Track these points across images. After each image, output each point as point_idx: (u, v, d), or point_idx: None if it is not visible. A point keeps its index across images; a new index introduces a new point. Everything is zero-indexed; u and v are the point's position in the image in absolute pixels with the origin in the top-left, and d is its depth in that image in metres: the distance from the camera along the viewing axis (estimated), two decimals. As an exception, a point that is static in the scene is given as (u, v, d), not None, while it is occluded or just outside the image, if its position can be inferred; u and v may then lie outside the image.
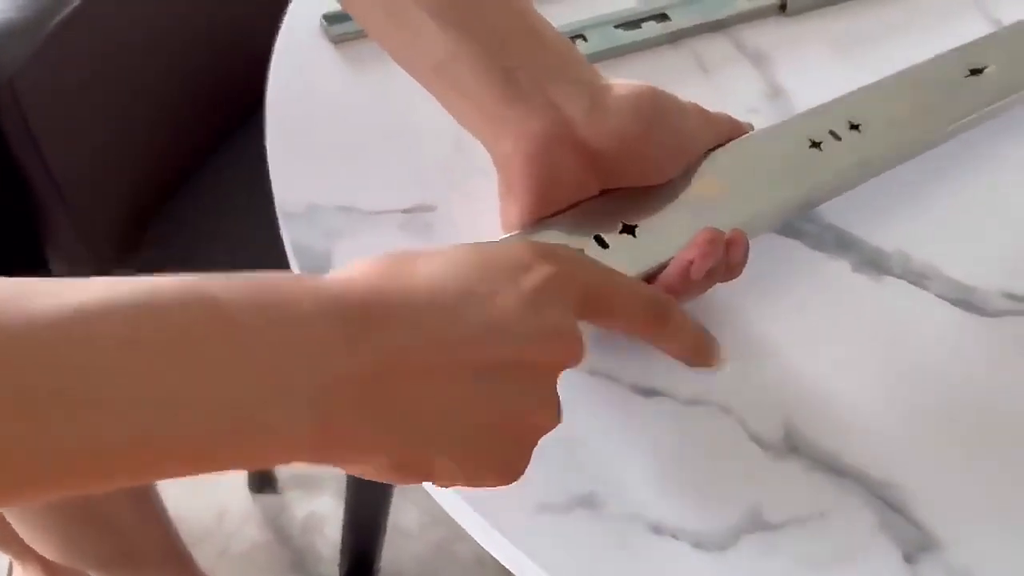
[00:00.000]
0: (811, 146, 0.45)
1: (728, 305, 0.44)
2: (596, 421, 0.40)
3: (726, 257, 0.39)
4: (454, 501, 0.38)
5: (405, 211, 0.47)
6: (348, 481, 0.98)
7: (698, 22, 0.57)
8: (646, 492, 0.38)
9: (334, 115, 0.51)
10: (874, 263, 0.47)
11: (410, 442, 0.29)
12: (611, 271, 0.36)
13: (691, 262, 0.38)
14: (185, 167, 0.77)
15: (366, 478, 0.30)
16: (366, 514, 1.01)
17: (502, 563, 0.38)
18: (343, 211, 0.46)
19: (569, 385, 0.40)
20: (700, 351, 0.38)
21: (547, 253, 0.33)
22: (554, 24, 0.55)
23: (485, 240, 0.39)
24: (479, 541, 0.38)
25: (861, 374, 0.42)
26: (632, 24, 0.57)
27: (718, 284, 0.41)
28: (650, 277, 0.40)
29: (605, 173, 0.41)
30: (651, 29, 0.57)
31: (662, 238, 0.40)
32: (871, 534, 0.38)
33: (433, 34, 0.40)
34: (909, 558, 0.37)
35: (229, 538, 1.10)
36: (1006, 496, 0.39)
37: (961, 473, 0.40)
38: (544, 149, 0.39)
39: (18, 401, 0.23)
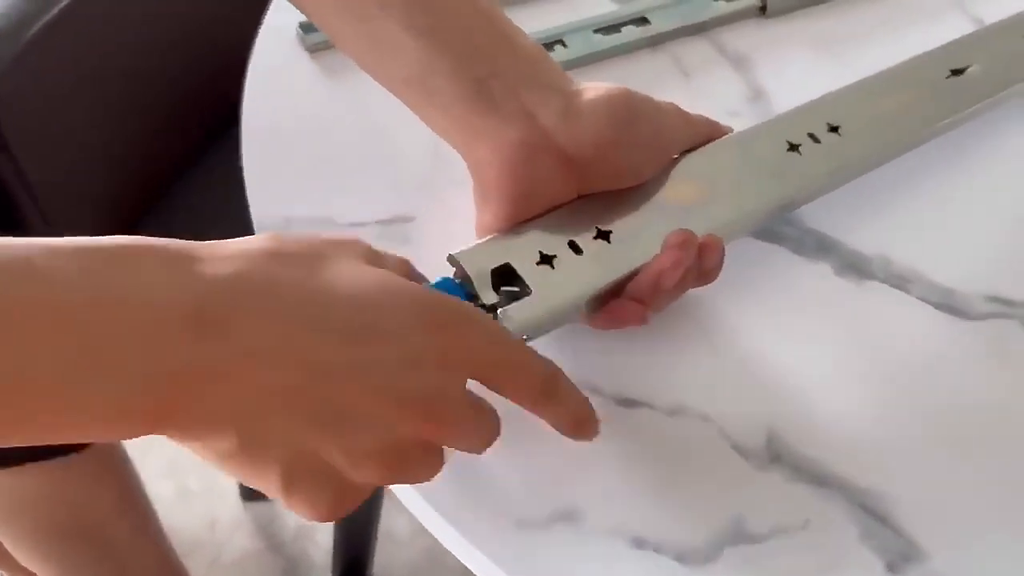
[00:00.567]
0: (789, 149, 0.45)
1: (708, 311, 0.43)
2: (576, 433, 0.40)
3: (699, 262, 0.39)
4: (433, 517, 0.37)
5: (382, 222, 0.46)
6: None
7: (678, 25, 0.57)
8: (627, 505, 0.38)
9: (310, 126, 0.51)
10: (855, 267, 0.46)
11: (243, 442, 0.30)
12: (507, 344, 0.35)
13: (663, 270, 0.38)
14: (165, 176, 0.77)
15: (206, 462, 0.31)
16: (357, 521, 1.00)
17: (483, 578, 0.37)
18: (319, 223, 0.46)
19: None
20: (582, 425, 0.37)
21: (451, 320, 0.33)
22: (534, 29, 0.55)
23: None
24: (459, 557, 0.38)
25: (843, 380, 0.42)
26: (612, 29, 0.56)
27: (698, 289, 0.41)
28: (622, 284, 0.39)
29: (581, 177, 0.41)
30: (631, 33, 0.56)
31: (636, 243, 0.40)
32: (854, 544, 0.37)
33: (404, 45, 0.39)
34: (892, 567, 0.37)
35: (220, 547, 1.10)
36: (990, 503, 0.39)
37: (945, 480, 0.39)
38: (519, 156, 0.39)
39: None
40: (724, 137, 0.45)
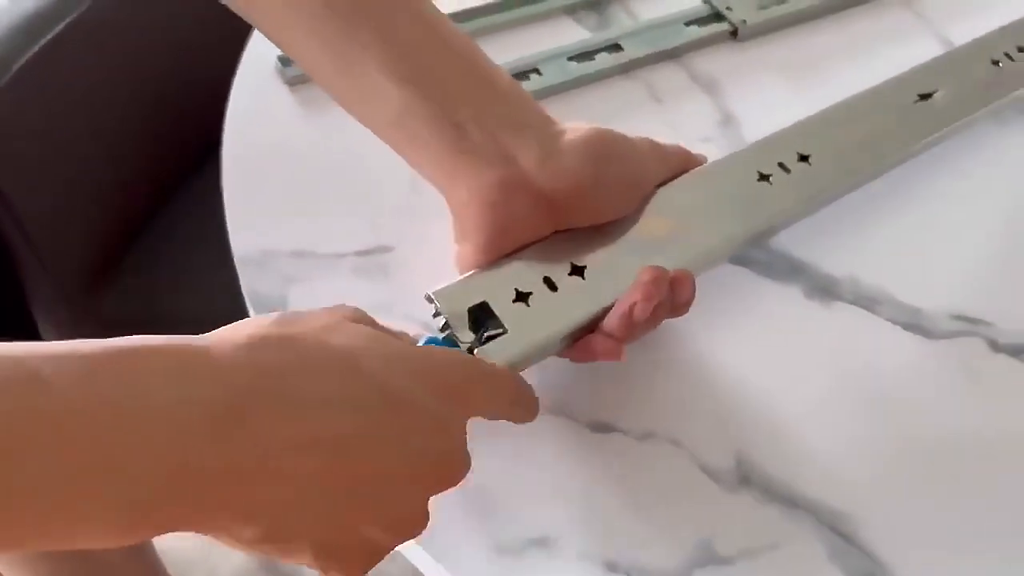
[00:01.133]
0: (760, 179, 0.46)
1: (678, 336, 0.44)
2: (551, 460, 0.41)
3: (671, 296, 0.40)
4: (410, 544, 0.38)
5: (360, 253, 0.47)
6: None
7: (650, 52, 0.58)
8: (600, 530, 0.39)
9: (289, 158, 0.52)
10: (825, 289, 0.47)
11: (270, 533, 0.30)
12: (500, 388, 0.37)
13: (634, 305, 0.39)
14: (149, 206, 0.78)
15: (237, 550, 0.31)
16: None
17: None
18: (297, 256, 0.47)
19: (524, 424, 0.41)
20: (531, 412, 0.39)
21: (458, 381, 0.35)
22: (509, 58, 0.56)
23: (444, 279, 0.40)
24: (437, 583, 0.39)
25: (812, 401, 0.43)
26: (585, 56, 0.57)
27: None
28: (597, 319, 0.40)
29: (558, 215, 0.42)
30: (604, 60, 0.57)
31: (610, 279, 0.41)
32: (823, 563, 0.38)
33: (386, 91, 0.40)
34: (859, 586, 0.38)
35: (215, 567, 1.10)
36: (954, 522, 0.40)
37: (911, 499, 0.40)
38: (498, 197, 0.40)
39: None
40: (696, 169, 0.46)
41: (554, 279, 0.41)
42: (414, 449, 0.32)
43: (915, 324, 0.46)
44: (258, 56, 0.57)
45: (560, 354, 0.41)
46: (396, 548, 0.34)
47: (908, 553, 0.39)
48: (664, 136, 0.46)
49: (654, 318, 0.40)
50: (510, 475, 0.40)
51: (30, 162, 0.68)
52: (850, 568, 0.38)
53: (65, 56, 0.68)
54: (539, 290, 0.40)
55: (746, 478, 0.40)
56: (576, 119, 0.43)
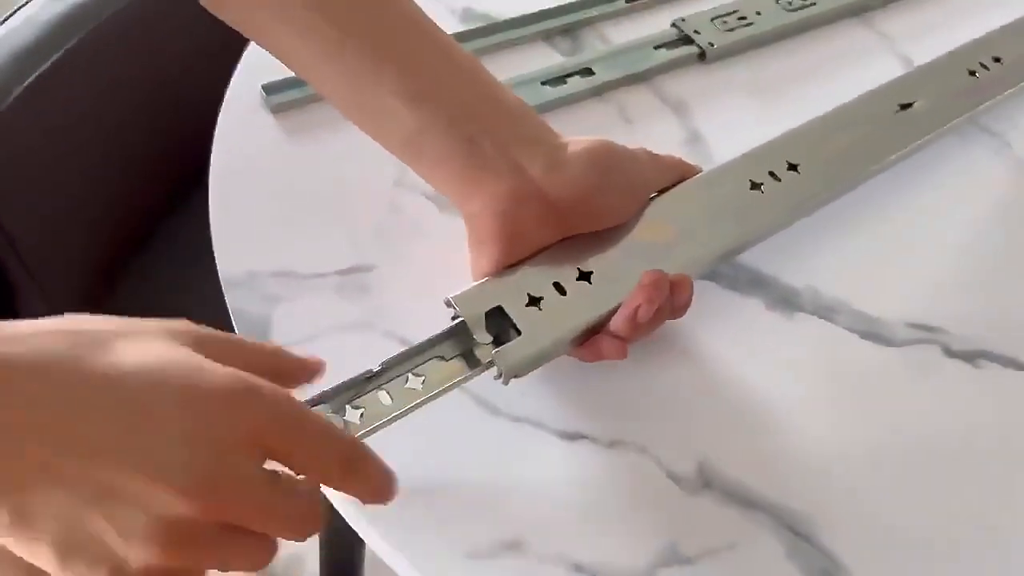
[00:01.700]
0: (752, 187, 0.49)
1: (644, 347, 0.46)
2: (522, 467, 0.43)
3: (671, 298, 0.43)
4: (387, 550, 0.40)
5: (341, 272, 0.49)
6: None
7: (621, 75, 0.60)
8: (568, 533, 0.41)
9: (273, 182, 0.54)
10: (786, 300, 0.50)
11: (12, 517, 0.30)
12: (300, 421, 0.33)
13: (638, 308, 0.42)
14: (142, 229, 0.80)
15: None
16: (340, 547, 1.02)
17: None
18: (280, 276, 0.49)
19: (496, 433, 0.43)
20: (382, 494, 0.36)
21: (234, 399, 0.32)
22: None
23: (427, 296, 0.43)
24: (413, 587, 0.40)
25: (773, 408, 0.45)
26: (558, 80, 0.60)
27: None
28: (604, 320, 0.43)
29: (565, 223, 0.45)
30: (577, 84, 0.60)
31: (615, 283, 0.44)
32: (781, 562, 0.40)
33: (398, 112, 0.43)
34: (815, 583, 0.40)
35: None
36: (910, 521, 0.42)
37: (867, 501, 0.42)
38: (509, 207, 0.43)
39: None
40: (693, 178, 0.49)
41: (563, 283, 0.44)
42: (165, 463, 0.30)
43: (873, 332, 0.48)
44: (244, 85, 0.59)
45: (569, 353, 0.44)
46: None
47: (864, 552, 0.40)
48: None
49: (657, 318, 0.43)
50: (482, 482, 0.42)
51: (26, 186, 0.70)
52: (807, 566, 0.40)
53: (61, 84, 0.70)
54: (549, 294, 0.43)
55: (708, 482, 0.42)
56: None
